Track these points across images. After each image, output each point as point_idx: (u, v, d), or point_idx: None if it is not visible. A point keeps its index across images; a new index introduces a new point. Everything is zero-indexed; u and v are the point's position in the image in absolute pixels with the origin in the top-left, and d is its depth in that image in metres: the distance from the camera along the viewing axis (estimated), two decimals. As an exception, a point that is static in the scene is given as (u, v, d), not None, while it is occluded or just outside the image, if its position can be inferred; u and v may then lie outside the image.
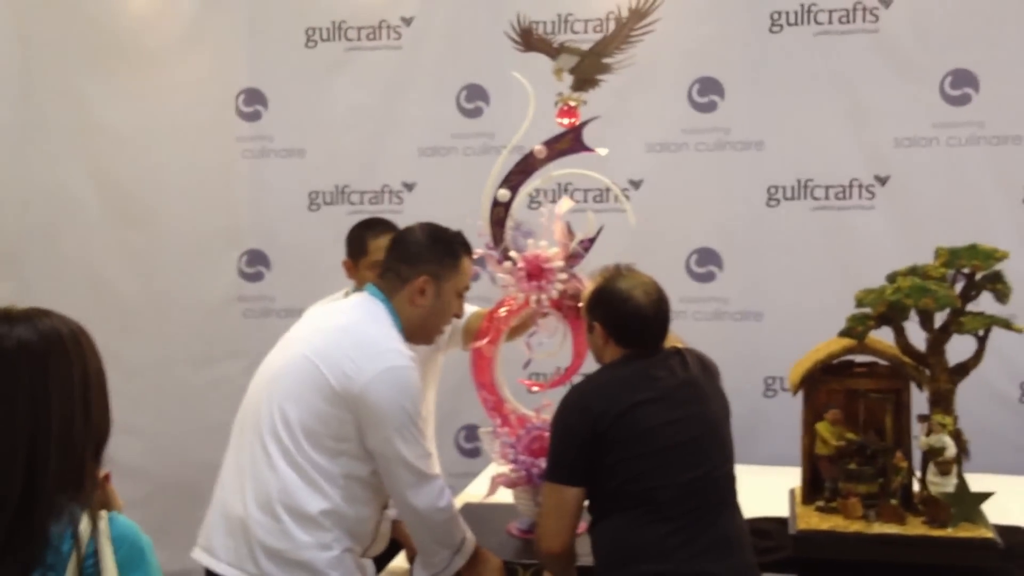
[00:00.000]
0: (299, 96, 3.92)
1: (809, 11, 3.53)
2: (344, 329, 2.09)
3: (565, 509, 2.00)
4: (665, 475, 1.95)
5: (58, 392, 1.37)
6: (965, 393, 2.49)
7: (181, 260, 4.02)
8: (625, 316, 2.07)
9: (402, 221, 2.89)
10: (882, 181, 3.54)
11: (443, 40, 3.78)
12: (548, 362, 2.60)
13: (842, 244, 3.56)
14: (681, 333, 2.28)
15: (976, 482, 2.41)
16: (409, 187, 3.89)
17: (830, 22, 3.52)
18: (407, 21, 3.82)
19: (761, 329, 3.64)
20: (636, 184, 3.68)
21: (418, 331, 2.17)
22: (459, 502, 2.70)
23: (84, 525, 1.35)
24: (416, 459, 2.04)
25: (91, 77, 4.02)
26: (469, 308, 2.71)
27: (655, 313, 2.08)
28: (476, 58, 3.69)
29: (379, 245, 2.61)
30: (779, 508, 2.51)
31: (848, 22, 3.51)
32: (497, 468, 2.51)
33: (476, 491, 2.80)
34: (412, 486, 2.06)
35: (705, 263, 3.64)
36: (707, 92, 3.62)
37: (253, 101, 3.96)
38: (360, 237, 2.68)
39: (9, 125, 4.05)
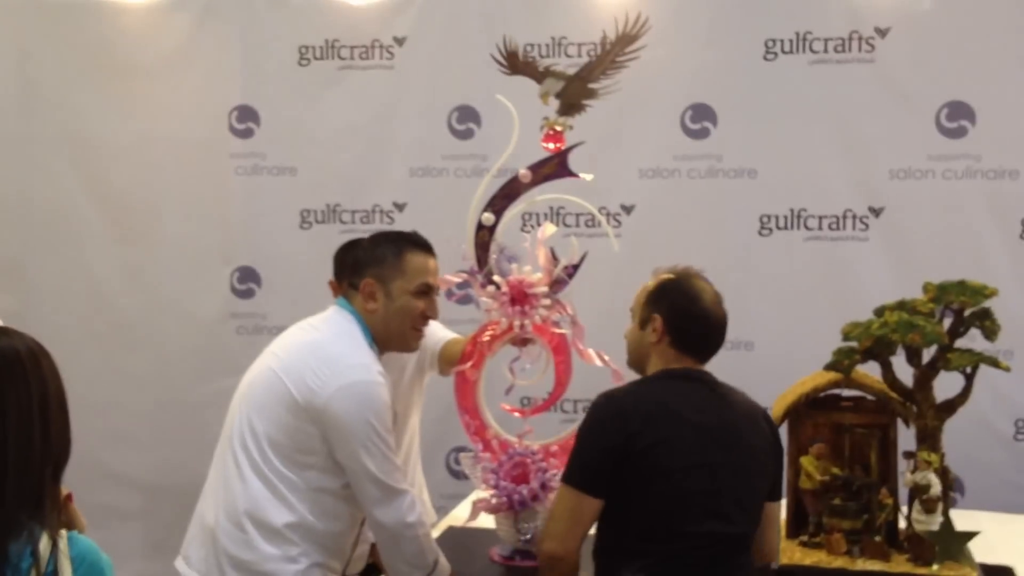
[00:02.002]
0: (291, 114, 3.94)
1: (804, 39, 3.54)
2: (311, 344, 2.10)
3: (577, 516, 1.90)
4: (677, 522, 1.87)
5: (15, 411, 1.38)
6: (959, 429, 2.48)
7: (176, 276, 4.05)
8: (692, 314, 1.99)
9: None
10: (876, 213, 3.54)
11: (435, 61, 3.80)
12: (535, 387, 2.58)
13: (835, 275, 3.55)
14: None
15: (968, 520, 2.39)
16: (400, 207, 3.90)
17: (826, 51, 3.53)
18: (400, 41, 3.83)
19: (752, 359, 3.62)
20: (628, 209, 3.69)
21: (385, 337, 2.16)
22: (443, 525, 2.71)
23: (44, 544, 1.37)
24: (383, 474, 2.03)
25: (88, 93, 4.06)
26: (446, 334, 2.72)
27: (718, 322, 2.00)
28: (468, 79, 3.70)
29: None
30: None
31: (844, 51, 3.52)
32: (480, 493, 2.49)
33: (460, 514, 2.78)
34: (379, 501, 2.04)
35: (696, 291, 3.62)
36: (700, 119, 3.63)
37: (246, 118, 3.97)
38: (347, 258, 2.69)
39: (9, 139, 4.09)
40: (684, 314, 1.99)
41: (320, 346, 2.09)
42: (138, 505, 4.06)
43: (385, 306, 2.13)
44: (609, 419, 1.92)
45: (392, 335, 2.16)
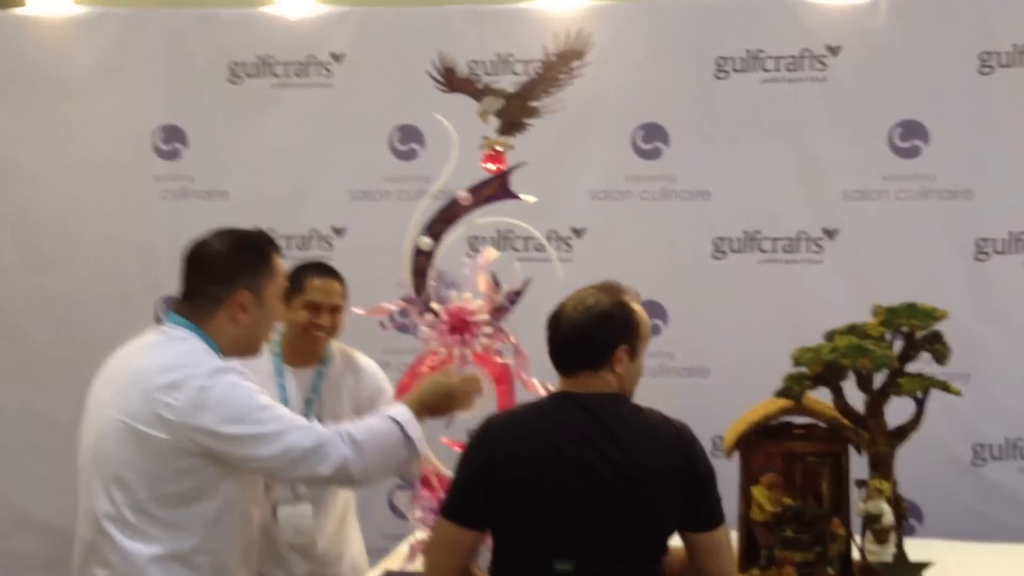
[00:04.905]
0: (222, 134, 3.93)
1: (756, 58, 3.65)
2: (143, 373, 2.03)
3: (449, 548, 1.96)
4: (544, 558, 1.88)
5: None
6: (917, 455, 2.54)
7: (96, 307, 3.98)
8: (549, 327, 2.01)
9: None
10: (831, 234, 3.64)
11: (375, 78, 3.82)
12: (476, 419, 2.59)
13: (790, 298, 3.63)
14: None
15: (926, 549, 2.44)
16: (339, 232, 3.91)
17: (777, 69, 3.64)
18: (337, 58, 3.86)
19: (708, 386, 3.68)
20: (579, 232, 3.74)
21: (243, 346, 2.13)
22: (380, 568, 2.69)
23: None
24: (260, 429, 2.00)
25: (2, 112, 4.01)
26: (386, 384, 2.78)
27: (568, 330, 1.97)
28: (410, 98, 3.69)
29: (317, 286, 2.66)
30: None
31: (796, 70, 3.63)
32: (420, 534, 2.50)
33: (402, 555, 2.78)
34: (267, 440, 2.00)
35: (649, 316, 3.66)
36: (651, 139, 3.71)
37: (172, 139, 3.96)
38: (301, 273, 2.70)
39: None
40: (548, 329, 2.02)
41: (148, 374, 2.02)
42: (57, 553, 3.97)
43: (257, 315, 2.11)
44: (474, 448, 1.98)
45: (253, 342, 2.15)
